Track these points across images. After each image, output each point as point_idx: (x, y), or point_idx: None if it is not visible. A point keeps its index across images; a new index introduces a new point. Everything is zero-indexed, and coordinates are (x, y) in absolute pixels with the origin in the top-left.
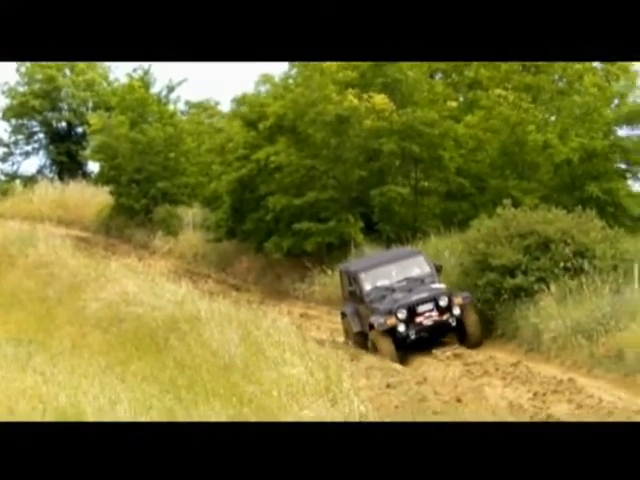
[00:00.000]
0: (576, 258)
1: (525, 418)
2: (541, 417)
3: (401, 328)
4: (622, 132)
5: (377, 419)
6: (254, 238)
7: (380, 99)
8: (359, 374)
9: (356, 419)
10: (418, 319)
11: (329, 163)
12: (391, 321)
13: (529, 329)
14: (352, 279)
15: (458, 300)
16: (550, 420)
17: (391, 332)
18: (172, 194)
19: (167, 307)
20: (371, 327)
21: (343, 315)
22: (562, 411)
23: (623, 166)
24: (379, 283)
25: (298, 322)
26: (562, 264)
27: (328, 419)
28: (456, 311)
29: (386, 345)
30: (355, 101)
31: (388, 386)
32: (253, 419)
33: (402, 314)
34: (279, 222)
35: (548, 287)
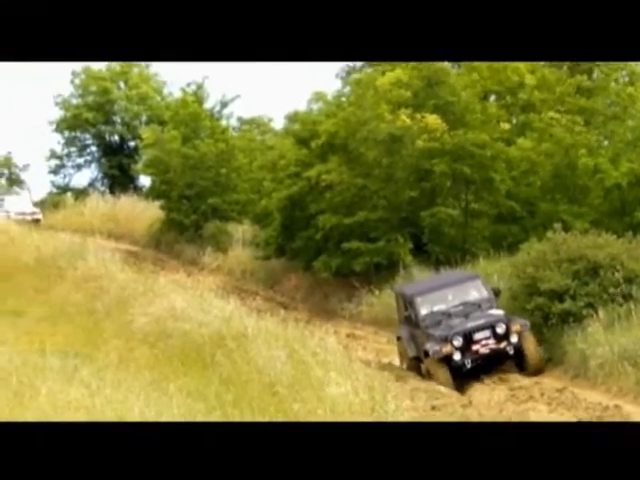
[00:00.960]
0: (625, 284)
1: None
2: None
3: (457, 356)
4: None
5: None
6: (303, 256)
7: (433, 119)
8: (404, 395)
9: None
10: (474, 347)
11: (380, 183)
12: (447, 349)
13: (576, 355)
14: (408, 303)
15: (516, 327)
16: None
17: (447, 360)
18: (222, 210)
19: (214, 323)
20: (426, 354)
21: (399, 338)
22: None
23: None
24: (435, 308)
25: (344, 342)
26: (611, 290)
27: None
28: (514, 339)
29: (442, 374)
30: (408, 121)
31: (433, 408)
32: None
33: (458, 342)
34: (328, 241)
35: (596, 313)
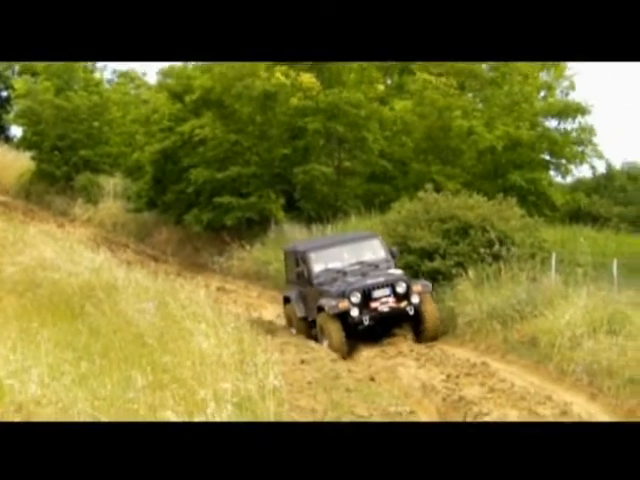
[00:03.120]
0: (495, 245)
1: (437, 399)
2: (453, 399)
3: (354, 312)
4: (551, 123)
5: (290, 394)
6: (174, 210)
7: (307, 78)
8: (273, 349)
9: (270, 392)
10: (373, 304)
11: (254, 139)
12: (344, 304)
13: (445, 312)
14: (300, 259)
15: (417, 288)
16: (465, 401)
17: (342, 317)
18: (94, 162)
19: (84, 274)
20: (320, 310)
21: (286, 300)
22: (474, 394)
23: (547, 157)
24: (330, 265)
25: (215, 295)
26: (481, 250)
27: (242, 392)
28: (414, 299)
29: (335, 330)
30: (283, 78)
31: (302, 362)
32: (169, 388)
33: (356, 297)
34: (200, 195)
35: (466, 272)
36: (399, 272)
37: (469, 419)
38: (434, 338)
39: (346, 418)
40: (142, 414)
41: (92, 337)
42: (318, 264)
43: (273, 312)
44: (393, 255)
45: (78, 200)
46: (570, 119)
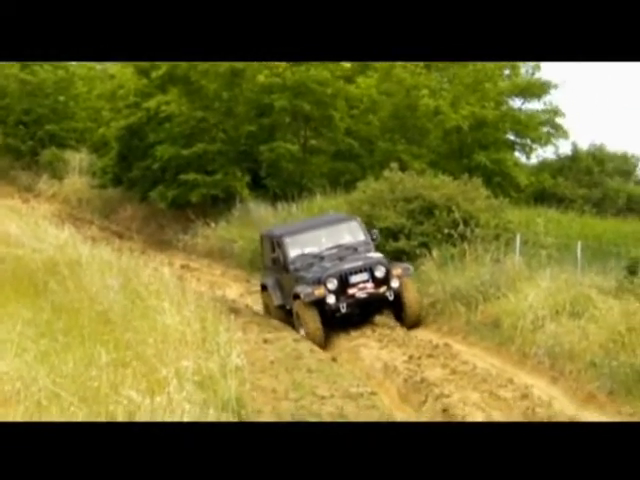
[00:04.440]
0: (459, 225)
1: (399, 381)
2: (415, 380)
3: (330, 300)
4: (516, 103)
5: (252, 373)
6: (139, 187)
7: None
8: (236, 328)
9: (232, 371)
10: (350, 290)
11: (220, 116)
12: (319, 291)
13: None
14: (275, 244)
15: (397, 272)
16: (428, 383)
17: (319, 304)
18: (60, 138)
19: (48, 250)
20: (296, 297)
21: (263, 287)
22: (436, 375)
23: (512, 137)
24: (306, 250)
25: (179, 273)
26: (445, 230)
27: (204, 370)
28: (394, 284)
29: (312, 318)
30: None
31: (265, 341)
32: (132, 366)
33: (332, 284)
34: (165, 172)
35: (430, 252)
36: (378, 255)
37: (430, 401)
38: (416, 324)
39: (308, 399)
40: (103, 392)
41: (55, 314)
42: (294, 249)
43: (237, 291)
44: (373, 238)
45: (43, 176)
46: (535, 99)
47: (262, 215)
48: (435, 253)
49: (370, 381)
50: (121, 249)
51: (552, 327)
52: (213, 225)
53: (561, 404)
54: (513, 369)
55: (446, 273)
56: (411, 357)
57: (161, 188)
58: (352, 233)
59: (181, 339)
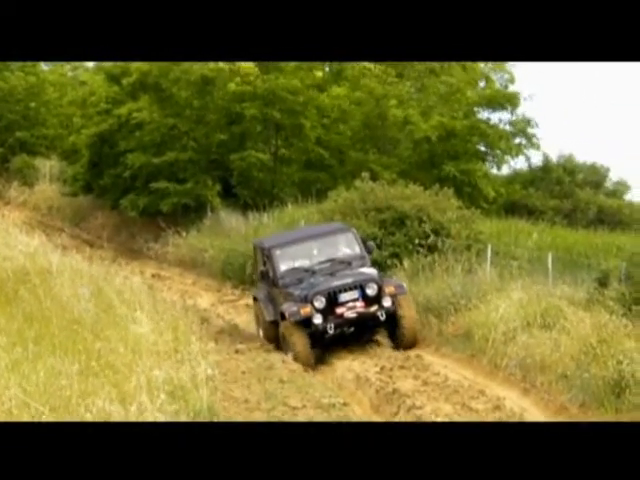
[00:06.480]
0: (430, 236)
1: (371, 391)
2: (387, 391)
3: (317, 320)
4: (485, 115)
5: (223, 383)
6: (110, 195)
7: (245, 63)
8: (208, 338)
9: (203, 382)
10: (339, 310)
11: (191, 124)
12: (306, 310)
13: None
14: (265, 256)
15: (390, 289)
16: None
17: (306, 324)
18: (30, 144)
19: (18, 258)
20: (283, 317)
21: (255, 300)
22: (407, 387)
23: (482, 148)
24: (297, 263)
25: (150, 282)
26: (417, 241)
27: (175, 380)
28: (386, 303)
29: (299, 339)
30: (221, 63)
31: (237, 352)
32: (102, 375)
33: (320, 303)
34: (136, 180)
35: (401, 262)
36: (372, 271)
37: (402, 412)
38: (412, 345)
39: (279, 409)
40: (74, 401)
41: (26, 322)
42: (284, 262)
43: (208, 300)
44: (368, 250)
45: (13, 183)
46: (504, 110)
47: (233, 224)
48: (406, 264)
49: (342, 392)
50: (92, 257)
51: (523, 339)
52: (184, 234)
53: (533, 416)
54: (485, 381)
55: (417, 284)
56: (383, 368)
57: (132, 196)
58: (347, 245)
59: (152, 348)
